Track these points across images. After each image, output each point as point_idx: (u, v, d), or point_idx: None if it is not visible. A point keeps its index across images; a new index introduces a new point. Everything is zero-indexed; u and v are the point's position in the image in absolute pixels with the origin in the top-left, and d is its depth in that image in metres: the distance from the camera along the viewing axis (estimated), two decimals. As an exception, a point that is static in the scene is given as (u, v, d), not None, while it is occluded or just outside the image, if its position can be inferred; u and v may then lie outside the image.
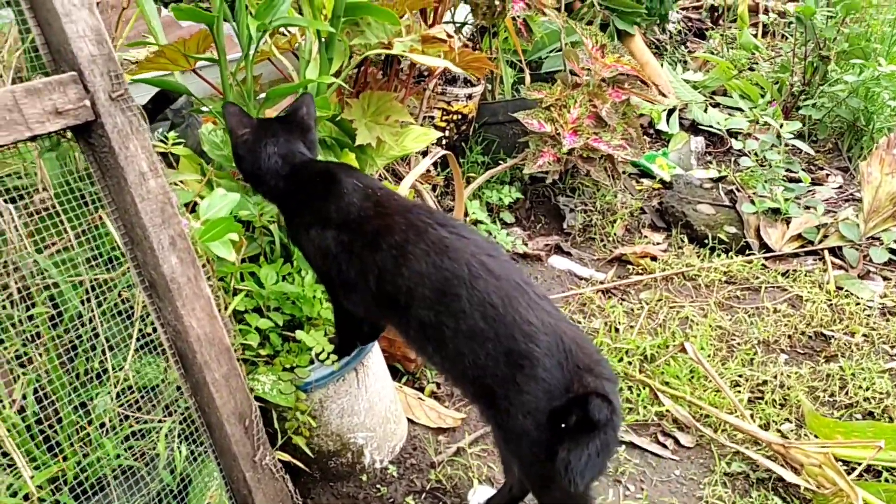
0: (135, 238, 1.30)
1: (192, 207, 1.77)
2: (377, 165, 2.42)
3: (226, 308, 1.63)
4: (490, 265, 1.37)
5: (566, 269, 2.90)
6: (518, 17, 3.04)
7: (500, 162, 3.30)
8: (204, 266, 1.46)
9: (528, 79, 3.57)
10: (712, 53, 5.34)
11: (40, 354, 1.33)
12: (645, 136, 3.87)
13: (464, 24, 3.50)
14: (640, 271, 2.86)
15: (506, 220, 3.05)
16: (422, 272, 1.38)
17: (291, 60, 2.49)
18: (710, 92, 4.65)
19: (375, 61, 2.76)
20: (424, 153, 2.84)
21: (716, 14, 6.25)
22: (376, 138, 2.30)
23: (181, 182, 1.81)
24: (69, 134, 1.27)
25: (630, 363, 2.24)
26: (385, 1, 2.57)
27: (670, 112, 4.22)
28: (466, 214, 2.82)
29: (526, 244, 2.96)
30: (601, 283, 2.81)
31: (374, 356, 1.84)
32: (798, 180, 3.42)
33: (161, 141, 2.10)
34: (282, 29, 2.29)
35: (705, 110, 4.28)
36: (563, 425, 1.30)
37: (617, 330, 2.46)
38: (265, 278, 1.69)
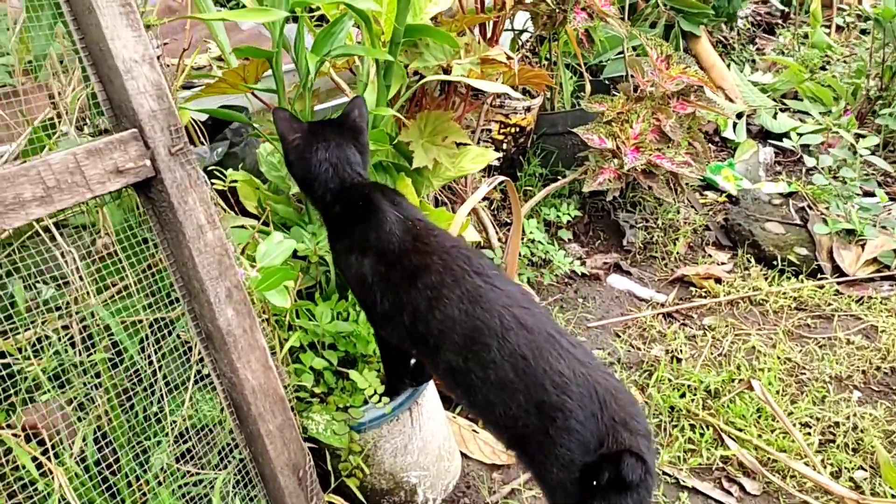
0: (192, 291, 1.29)
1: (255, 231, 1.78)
2: (433, 187, 2.39)
3: (281, 346, 1.62)
4: (522, 318, 1.36)
5: (625, 290, 2.82)
6: (579, 28, 2.94)
7: (559, 175, 3.22)
8: (260, 314, 1.45)
9: (588, 87, 3.47)
10: (782, 53, 5.11)
11: (100, 399, 1.35)
12: (710, 145, 3.73)
13: (523, 31, 3.43)
14: (704, 294, 2.75)
15: (563, 237, 2.98)
16: (453, 318, 1.37)
17: (348, 76, 2.47)
18: (780, 95, 4.46)
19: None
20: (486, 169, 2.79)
21: (786, 9, 5.98)
22: (433, 160, 2.26)
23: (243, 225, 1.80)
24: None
25: (692, 400, 2.16)
26: (444, 18, 2.52)
27: (737, 118, 4.06)
28: (523, 236, 2.76)
29: (583, 262, 2.88)
30: (662, 305, 2.72)
31: (429, 393, 1.81)
32: (872, 194, 3.24)
33: (217, 167, 2.10)
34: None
35: (774, 116, 4.10)
36: (594, 482, 1.27)
37: (678, 360, 2.37)
38: (320, 317, 1.68)
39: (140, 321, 1.41)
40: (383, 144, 1.96)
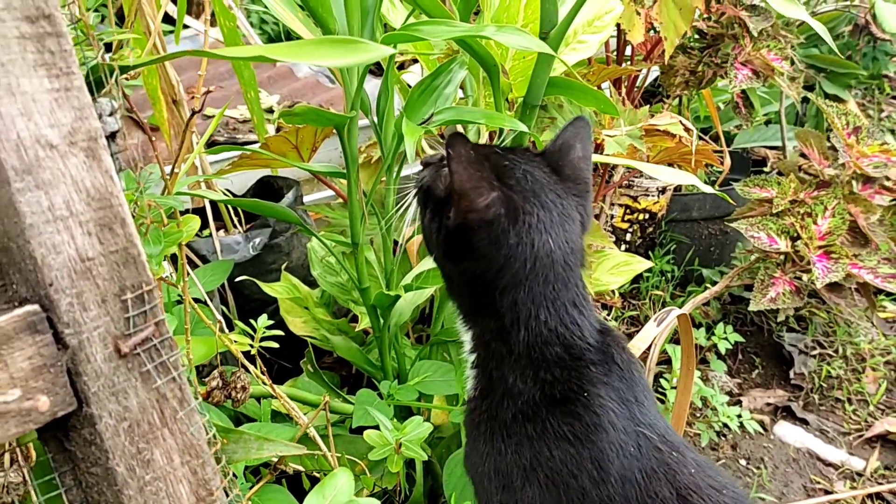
0: None
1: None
2: (555, 306, 1.66)
3: None
4: None
5: (803, 447, 2.02)
6: (735, 90, 2.21)
7: (693, 274, 2.48)
8: None
9: (727, 161, 2.74)
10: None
11: None
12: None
13: (651, 89, 2.74)
14: (924, 465, 1.94)
15: (715, 368, 2.20)
16: None
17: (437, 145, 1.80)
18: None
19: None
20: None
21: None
22: (560, 271, 1.54)
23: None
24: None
25: None
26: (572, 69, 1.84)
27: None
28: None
29: (737, 398, 2.10)
30: (859, 474, 1.92)
31: None
32: None
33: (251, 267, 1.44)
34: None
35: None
36: None
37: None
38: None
39: None
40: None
